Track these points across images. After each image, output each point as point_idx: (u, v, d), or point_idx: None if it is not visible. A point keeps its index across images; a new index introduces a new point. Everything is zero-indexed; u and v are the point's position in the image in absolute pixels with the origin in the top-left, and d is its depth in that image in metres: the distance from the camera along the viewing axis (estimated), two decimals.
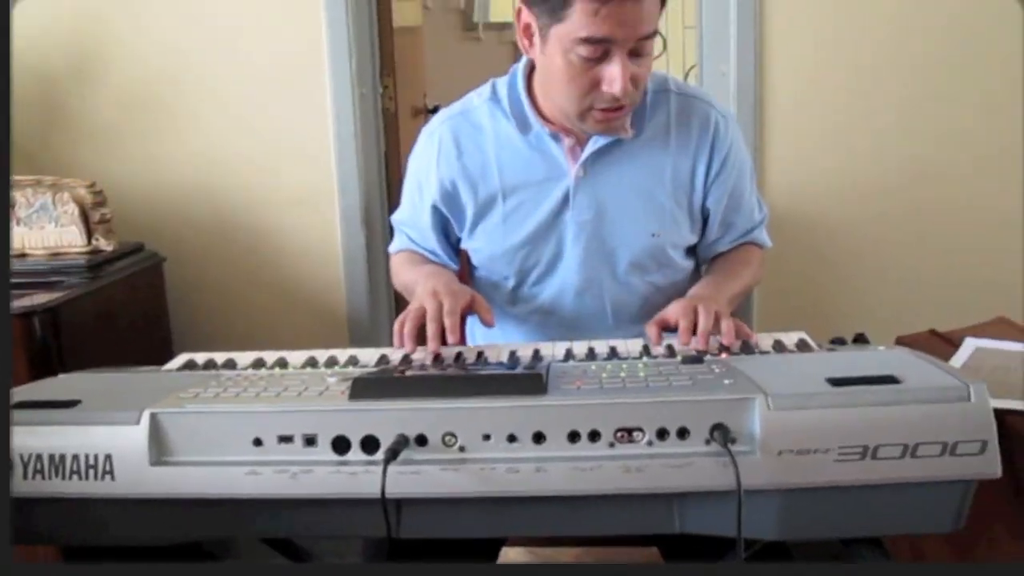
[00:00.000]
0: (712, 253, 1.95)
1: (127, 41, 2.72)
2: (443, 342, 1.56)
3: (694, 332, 1.53)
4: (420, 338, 1.57)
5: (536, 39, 1.65)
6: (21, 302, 2.14)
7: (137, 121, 2.76)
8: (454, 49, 5.88)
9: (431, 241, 1.93)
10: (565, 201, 1.80)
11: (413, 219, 1.94)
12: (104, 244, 2.52)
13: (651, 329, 1.61)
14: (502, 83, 1.85)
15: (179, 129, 2.76)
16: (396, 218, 2.01)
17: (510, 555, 2.08)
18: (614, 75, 1.59)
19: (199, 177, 2.77)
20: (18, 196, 2.49)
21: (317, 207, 2.77)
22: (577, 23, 1.55)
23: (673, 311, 1.60)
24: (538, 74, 1.73)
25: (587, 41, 1.56)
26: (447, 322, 1.56)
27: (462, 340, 1.58)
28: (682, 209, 1.84)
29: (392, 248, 2.04)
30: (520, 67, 1.82)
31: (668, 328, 1.60)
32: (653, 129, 1.80)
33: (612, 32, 1.55)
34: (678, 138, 1.81)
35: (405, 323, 1.58)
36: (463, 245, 1.93)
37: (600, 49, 1.58)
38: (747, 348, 1.47)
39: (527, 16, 1.64)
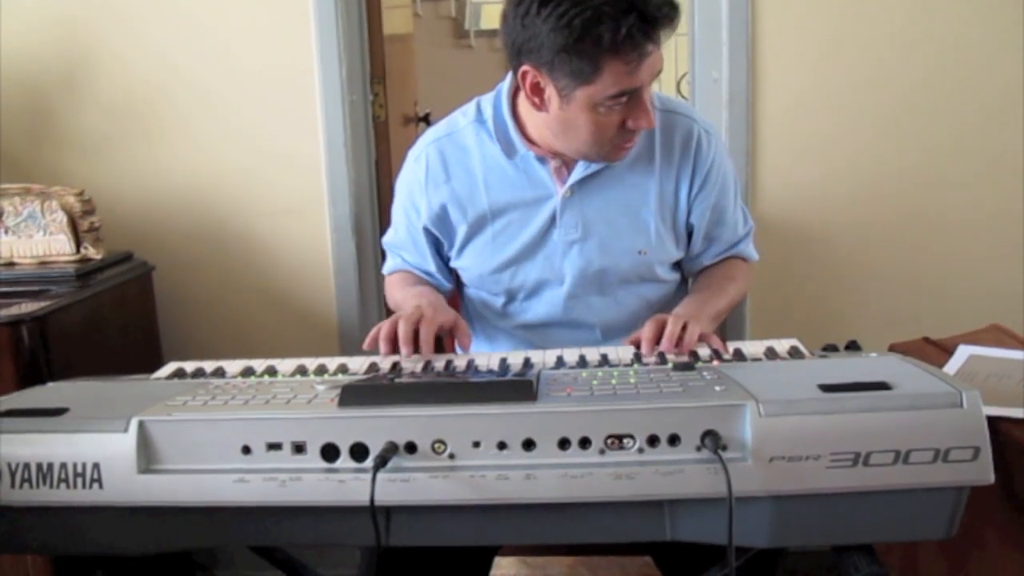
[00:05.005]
0: (697, 267, 1.95)
1: (116, 49, 2.70)
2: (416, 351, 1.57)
3: (658, 343, 1.55)
4: (395, 345, 1.59)
5: (552, 98, 1.64)
6: (9, 311, 2.13)
7: (126, 129, 2.74)
8: (445, 57, 5.88)
9: (427, 261, 1.94)
10: (552, 221, 1.81)
11: (408, 241, 1.94)
12: (93, 253, 2.50)
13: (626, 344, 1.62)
14: (487, 102, 1.85)
15: (168, 137, 2.74)
16: (388, 241, 2.01)
17: (503, 564, 2.07)
18: (641, 113, 1.63)
19: (188, 185, 2.76)
20: (6, 204, 2.47)
21: (307, 215, 2.76)
22: (608, 82, 1.57)
23: (644, 327, 1.60)
24: (549, 122, 1.70)
25: (620, 95, 1.59)
26: (422, 331, 1.57)
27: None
28: (667, 226, 1.85)
29: (386, 269, 2.04)
30: (504, 89, 1.81)
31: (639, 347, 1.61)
32: (638, 147, 1.80)
33: (642, 80, 1.59)
34: (662, 155, 1.81)
35: (382, 327, 1.59)
36: (452, 264, 1.93)
37: (628, 96, 1.60)
38: (739, 355, 1.46)
39: (536, 78, 1.63)
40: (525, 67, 1.62)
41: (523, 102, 1.77)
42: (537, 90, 1.65)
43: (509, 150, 1.80)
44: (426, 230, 1.89)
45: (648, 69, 1.58)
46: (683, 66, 3.45)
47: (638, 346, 1.58)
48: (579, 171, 1.78)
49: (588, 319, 1.88)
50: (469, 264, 1.89)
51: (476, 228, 1.85)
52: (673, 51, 4.47)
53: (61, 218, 2.47)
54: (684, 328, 1.55)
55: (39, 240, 2.49)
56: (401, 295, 1.88)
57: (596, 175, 1.79)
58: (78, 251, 2.50)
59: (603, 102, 1.59)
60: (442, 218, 1.87)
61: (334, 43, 2.66)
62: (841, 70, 2.57)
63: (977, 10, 2.53)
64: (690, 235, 1.90)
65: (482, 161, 1.83)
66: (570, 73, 1.57)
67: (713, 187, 1.85)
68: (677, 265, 1.95)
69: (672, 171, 1.82)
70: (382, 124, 3.30)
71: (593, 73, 1.55)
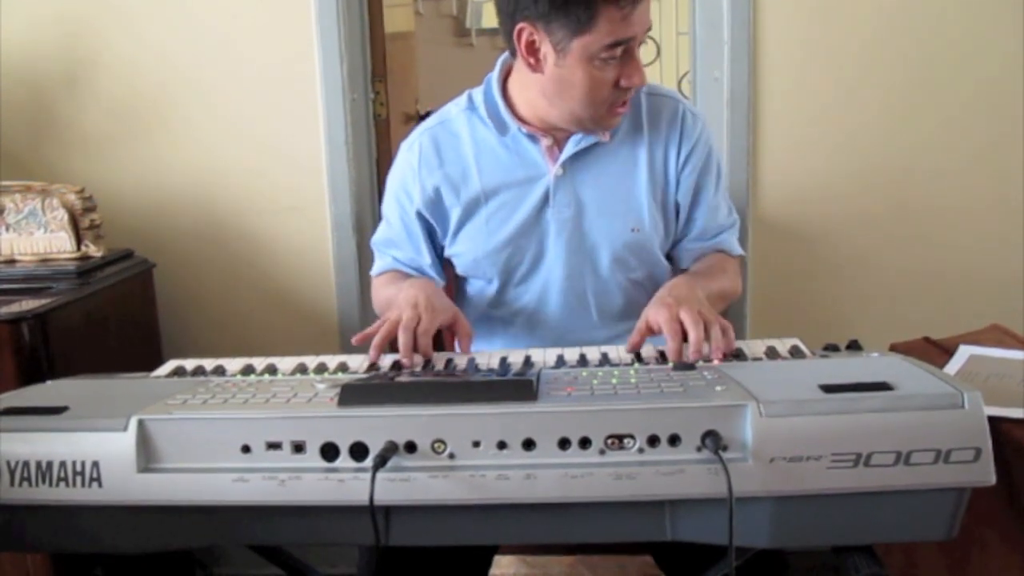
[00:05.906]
0: (682, 252, 1.94)
1: (118, 47, 2.70)
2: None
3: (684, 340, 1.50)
4: (391, 347, 1.57)
5: (548, 56, 1.66)
6: (10, 308, 2.12)
7: (127, 127, 2.74)
8: (446, 55, 5.88)
9: (421, 253, 1.92)
10: (545, 199, 1.82)
11: (401, 232, 1.93)
12: (94, 250, 2.50)
13: (635, 337, 1.56)
14: (477, 92, 1.87)
15: (170, 135, 2.74)
16: (378, 239, 1.99)
17: (502, 564, 2.07)
18: (634, 69, 1.67)
19: (189, 183, 2.75)
20: (7, 201, 2.47)
21: (308, 213, 2.76)
22: (603, 31, 1.59)
23: (654, 318, 1.55)
24: (544, 86, 1.71)
25: (615, 45, 1.61)
26: (420, 342, 1.55)
27: None
28: (658, 204, 1.86)
29: (374, 271, 2.01)
30: (495, 73, 1.84)
31: (653, 334, 1.58)
32: (627, 127, 1.83)
33: (634, 31, 1.62)
34: (650, 132, 1.84)
35: (377, 332, 1.57)
36: (447, 252, 1.93)
37: (622, 49, 1.63)
38: (740, 355, 1.46)
39: (532, 35, 1.64)
40: (521, 25, 1.65)
41: (514, 80, 1.81)
42: (532, 49, 1.67)
43: (500, 127, 1.82)
44: (420, 215, 1.89)
45: (640, 19, 1.62)
46: (684, 65, 3.45)
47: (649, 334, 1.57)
48: (571, 147, 1.80)
49: (583, 302, 1.89)
50: (464, 249, 1.89)
51: (470, 210, 1.85)
52: (675, 50, 4.48)
53: (62, 215, 2.47)
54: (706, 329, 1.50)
55: (40, 237, 2.49)
56: (393, 288, 1.84)
57: (587, 152, 1.81)
58: (79, 248, 2.49)
59: (598, 53, 1.62)
60: (436, 202, 1.87)
61: (335, 41, 2.66)
62: (843, 69, 2.57)
63: (982, 6, 2.53)
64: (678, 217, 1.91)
65: (473, 145, 1.84)
66: (566, 23, 1.60)
67: (696, 163, 1.86)
68: (668, 256, 1.95)
69: (660, 142, 1.85)
70: (383, 122, 3.30)
71: (588, 20, 1.58)
